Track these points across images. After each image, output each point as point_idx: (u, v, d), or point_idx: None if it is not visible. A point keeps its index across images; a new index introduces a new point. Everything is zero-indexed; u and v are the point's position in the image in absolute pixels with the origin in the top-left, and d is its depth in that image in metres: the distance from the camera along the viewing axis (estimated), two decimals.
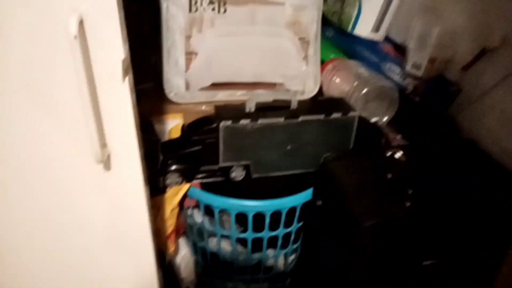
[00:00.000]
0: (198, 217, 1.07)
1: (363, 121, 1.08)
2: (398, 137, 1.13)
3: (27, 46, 0.49)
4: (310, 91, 1.25)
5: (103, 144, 0.55)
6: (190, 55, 1.15)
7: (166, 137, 1.09)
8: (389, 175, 0.95)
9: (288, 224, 1.05)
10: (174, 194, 0.95)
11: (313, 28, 1.21)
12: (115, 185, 0.60)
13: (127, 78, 0.53)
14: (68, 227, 0.66)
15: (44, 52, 0.50)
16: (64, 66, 0.50)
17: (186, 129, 1.02)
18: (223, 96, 1.21)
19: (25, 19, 0.48)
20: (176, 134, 1.05)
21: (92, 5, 0.48)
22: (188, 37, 1.13)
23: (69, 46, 0.47)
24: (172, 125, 1.13)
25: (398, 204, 0.89)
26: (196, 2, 1.12)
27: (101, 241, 0.67)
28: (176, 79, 1.14)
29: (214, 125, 0.98)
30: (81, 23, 0.48)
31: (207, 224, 1.05)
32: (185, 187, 0.98)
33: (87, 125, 0.52)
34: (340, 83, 1.25)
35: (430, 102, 1.10)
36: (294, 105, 1.03)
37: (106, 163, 0.58)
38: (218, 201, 0.98)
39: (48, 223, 0.64)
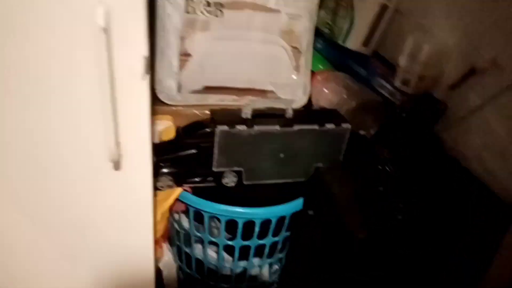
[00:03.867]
0: (186, 222, 1.05)
1: (353, 133, 1.09)
2: (385, 151, 1.15)
3: (49, 37, 0.46)
4: (300, 100, 1.26)
5: (117, 143, 0.53)
6: (183, 56, 1.13)
7: (155, 139, 1.06)
8: (381, 188, 0.97)
9: (275, 233, 1.04)
10: (166, 198, 0.92)
11: (305, 37, 1.22)
12: (124, 185, 0.57)
13: (147, 76, 0.51)
14: (75, 224, 0.62)
15: (66, 44, 0.47)
16: (85, 59, 0.47)
17: (181, 132, 1.00)
18: (214, 100, 1.19)
19: (48, 9, 0.44)
20: (168, 136, 1.02)
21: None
22: (183, 39, 1.11)
23: (94, 39, 0.45)
24: (161, 127, 1.10)
25: (390, 217, 0.90)
26: (192, 4, 1.10)
27: (105, 240, 0.63)
28: (168, 80, 1.12)
29: (210, 130, 0.96)
30: (106, 15, 0.45)
31: (194, 230, 1.03)
32: (177, 191, 0.95)
33: (104, 122, 0.50)
34: (329, 95, 1.26)
35: (417, 119, 1.13)
36: (289, 114, 1.03)
37: (117, 162, 0.55)
38: (209, 207, 0.96)
39: (55, 219, 0.60)
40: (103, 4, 0.45)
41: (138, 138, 0.55)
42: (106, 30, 0.45)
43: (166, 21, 1.07)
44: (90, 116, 0.51)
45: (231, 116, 0.98)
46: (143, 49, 0.50)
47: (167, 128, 1.05)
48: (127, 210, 0.60)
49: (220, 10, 1.12)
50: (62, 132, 0.52)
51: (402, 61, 1.13)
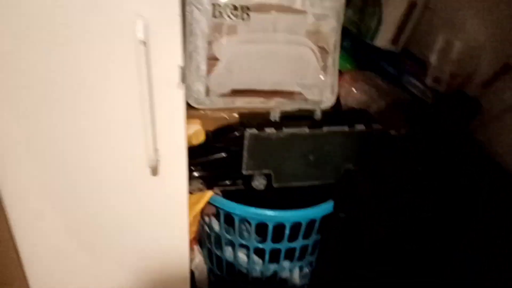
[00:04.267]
0: (216, 225, 1.05)
1: (384, 133, 1.08)
2: (417, 151, 1.13)
3: (91, 49, 0.47)
4: (328, 101, 1.25)
5: (155, 149, 0.54)
6: (211, 60, 1.14)
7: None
8: (411, 188, 0.96)
9: (306, 236, 1.04)
10: (197, 201, 0.93)
11: (333, 37, 1.21)
12: (161, 190, 0.58)
13: (182, 85, 0.52)
14: (114, 227, 0.64)
15: (106, 56, 0.48)
16: (125, 70, 0.48)
17: (211, 136, 1.00)
18: (241, 103, 1.19)
19: (90, 22, 0.46)
20: (197, 140, 1.03)
21: (156, 11, 0.47)
22: (211, 43, 1.12)
23: (133, 51, 0.46)
24: (190, 131, 1.11)
25: (417, 216, 0.89)
26: (220, 8, 1.10)
27: (142, 241, 0.65)
28: (196, 84, 1.12)
29: (239, 133, 0.96)
30: (145, 29, 0.46)
31: (225, 233, 1.03)
32: (208, 194, 0.96)
33: (143, 129, 0.51)
34: (357, 94, 1.25)
35: (449, 118, 1.11)
36: (318, 115, 1.02)
37: (154, 168, 0.56)
38: (240, 210, 0.97)
39: (95, 221, 0.61)
40: (141, 18, 0.46)
41: (175, 144, 0.56)
42: (144, 43, 0.46)
43: (194, 26, 1.08)
44: (129, 124, 0.52)
45: (259, 119, 0.98)
46: (179, 59, 0.50)
47: (196, 132, 1.06)
48: (164, 214, 0.61)
49: (247, 14, 1.12)
50: (103, 139, 0.54)
51: (433, 58, 1.11)
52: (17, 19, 0.45)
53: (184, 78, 0.52)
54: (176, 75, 0.50)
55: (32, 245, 0.60)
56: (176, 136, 0.55)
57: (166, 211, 0.60)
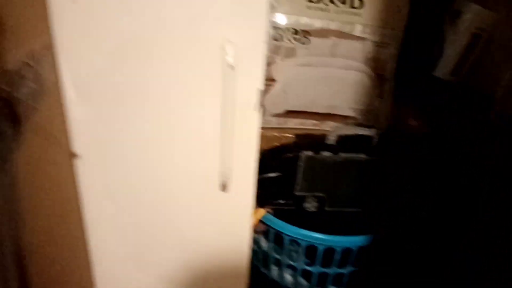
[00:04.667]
0: (264, 243, 1.06)
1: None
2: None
3: (179, 69, 0.51)
4: (382, 127, 1.24)
5: (229, 168, 0.56)
6: (268, 81, 1.16)
7: None
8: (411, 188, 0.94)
9: (355, 263, 1.02)
10: None
11: (390, 64, 1.21)
12: (227, 205, 0.60)
13: (260, 107, 0.54)
14: (180, 239, 0.66)
15: (194, 76, 0.51)
16: (210, 90, 0.51)
17: (266, 155, 1.02)
18: (294, 124, 1.21)
19: (180, 46, 0.49)
20: None
21: (244, 36, 0.49)
22: (269, 64, 1.15)
23: (221, 74, 0.49)
24: None
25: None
26: (281, 31, 1.14)
27: (205, 254, 0.66)
28: None
29: (294, 154, 0.98)
30: (234, 53, 0.49)
31: (273, 252, 1.04)
32: (260, 212, 0.97)
33: (220, 148, 0.53)
34: (413, 121, 1.23)
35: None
36: (374, 141, 1.02)
37: (225, 185, 0.58)
38: (291, 231, 0.97)
39: (164, 234, 0.64)
40: (231, 43, 0.49)
41: (247, 163, 0.58)
42: (233, 67, 0.49)
43: None
44: (207, 141, 0.55)
45: (315, 141, 0.99)
46: (260, 83, 0.53)
47: None
48: (228, 228, 0.63)
49: (307, 38, 1.15)
50: (179, 154, 0.57)
51: (499, 93, 1.07)
52: (111, 40, 0.49)
53: (262, 101, 0.54)
54: (255, 98, 0.53)
55: (102, 253, 0.63)
56: (248, 155, 0.57)
57: (231, 226, 0.62)
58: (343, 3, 1.11)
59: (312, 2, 1.09)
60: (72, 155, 0.56)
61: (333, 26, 1.15)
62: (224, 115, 0.52)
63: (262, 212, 0.98)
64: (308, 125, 1.23)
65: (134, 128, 0.55)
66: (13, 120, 0.41)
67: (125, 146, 0.56)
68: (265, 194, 1.00)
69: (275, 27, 1.15)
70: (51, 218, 0.55)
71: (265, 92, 1.19)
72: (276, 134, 1.22)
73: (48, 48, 0.47)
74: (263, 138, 1.21)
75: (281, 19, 1.09)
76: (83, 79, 0.51)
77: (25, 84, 0.41)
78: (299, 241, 0.99)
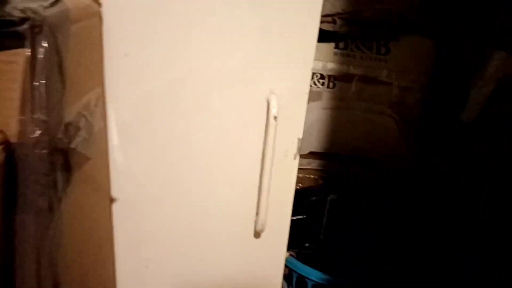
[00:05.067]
0: (286, 287, 1.04)
1: None
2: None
3: (221, 118, 0.52)
4: (408, 170, 1.23)
5: (265, 215, 0.56)
6: None
7: None
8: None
9: None
10: None
11: (416, 109, 1.22)
12: (261, 253, 0.60)
13: (297, 156, 0.55)
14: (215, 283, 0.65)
15: (239, 126, 0.53)
16: (253, 140, 0.53)
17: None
18: (317, 165, 1.21)
19: (226, 94, 0.51)
20: None
21: (288, 88, 0.51)
22: None
23: (265, 124, 0.50)
24: None
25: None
26: None
27: None
28: None
29: (320, 197, 0.97)
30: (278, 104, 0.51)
31: None
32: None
33: (258, 196, 0.54)
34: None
35: None
36: (399, 184, 1.01)
37: (259, 233, 0.58)
38: (316, 276, 0.95)
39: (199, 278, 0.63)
40: (275, 95, 0.50)
41: (283, 213, 0.58)
42: (276, 117, 0.50)
43: None
44: (246, 189, 0.56)
45: (342, 185, 0.99)
46: (299, 132, 0.54)
47: None
48: (260, 275, 0.62)
49: (333, 82, 1.17)
50: (220, 201, 0.57)
51: None
52: (157, 88, 0.51)
53: (300, 150, 0.55)
54: (295, 147, 0.54)
55: None
56: (285, 205, 0.57)
57: (263, 273, 0.61)
58: (370, 49, 1.14)
59: (339, 48, 1.12)
60: (111, 200, 0.57)
61: (359, 71, 1.17)
62: (265, 163, 0.53)
63: (285, 255, 0.97)
64: (334, 167, 1.23)
65: (173, 174, 0.56)
66: (67, 169, 0.42)
67: (164, 191, 0.57)
68: (290, 237, 0.99)
69: None
70: (85, 257, 0.56)
71: None
72: (299, 175, 1.22)
73: (100, 98, 0.49)
74: None
75: None
76: (128, 125, 0.53)
77: (80, 134, 0.43)
78: (324, 286, 0.96)
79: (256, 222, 0.57)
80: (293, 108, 0.53)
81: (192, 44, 0.49)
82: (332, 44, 1.12)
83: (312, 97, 1.17)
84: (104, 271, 0.63)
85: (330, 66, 1.13)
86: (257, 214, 0.56)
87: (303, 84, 0.52)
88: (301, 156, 1.24)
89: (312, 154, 1.23)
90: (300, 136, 0.55)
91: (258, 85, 0.51)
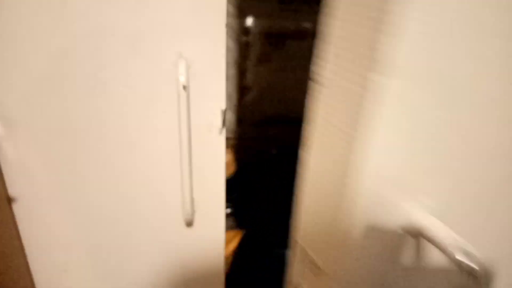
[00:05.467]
0: None
1: None
2: None
3: (130, 91, 0.43)
4: None
5: (191, 199, 0.49)
6: (243, 89, 1.10)
7: None
8: None
9: None
10: (228, 241, 0.88)
11: None
12: (194, 242, 0.53)
13: (223, 130, 0.47)
14: (146, 276, 0.58)
15: (145, 99, 0.44)
16: (163, 114, 0.44)
17: (244, 168, 0.96)
18: (274, 132, 1.15)
19: (129, 64, 0.42)
20: (228, 171, 0.99)
21: (200, 52, 0.42)
22: (243, 71, 1.09)
23: (175, 95, 0.42)
24: None
25: None
26: (254, 37, 1.07)
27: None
28: (227, 113, 1.09)
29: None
30: (187, 71, 0.42)
31: None
32: (240, 233, 0.90)
33: (180, 177, 0.46)
34: None
35: None
36: None
37: (189, 219, 0.51)
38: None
39: (125, 271, 0.56)
40: (184, 59, 0.42)
41: (213, 193, 0.51)
42: (185, 87, 0.42)
43: (226, 55, 1.05)
44: (166, 171, 0.48)
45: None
46: (222, 102, 0.46)
47: (226, 162, 1.01)
48: (198, 266, 0.55)
49: (282, 42, 1.08)
50: (138, 188, 0.49)
51: None
52: (41, 59, 0.41)
53: (225, 122, 0.47)
54: (218, 119, 0.46)
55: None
56: (215, 185, 0.50)
57: (201, 264, 0.55)
58: (317, 3, 1.05)
59: (285, 3, 1.03)
60: (9, 200, 0.48)
61: (309, 26, 1.09)
62: (181, 141, 0.45)
63: (240, 233, 0.91)
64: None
65: (77, 165, 0.47)
66: None
67: (68, 186, 0.48)
68: (248, 213, 0.94)
69: (248, 32, 1.08)
70: None
71: (240, 101, 1.13)
72: (255, 144, 1.16)
73: None
74: (242, 149, 1.15)
75: (253, 23, 1.03)
76: (11, 114, 0.43)
77: None
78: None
79: (183, 209, 0.49)
80: (210, 74, 0.44)
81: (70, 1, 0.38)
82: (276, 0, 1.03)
83: (261, 59, 1.08)
84: (20, 280, 0.55)
85: (274, 23, 1.04)
86: (183, 199, 0.49)
87: (218, 44, 0.43)
88: (257, 124, 1.17)
89: (268, 121, 1.17)
90: (223, 107, 0.47)
91: (163, 48, 0.42)
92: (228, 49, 1.04)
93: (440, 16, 0.28)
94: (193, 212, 0.50)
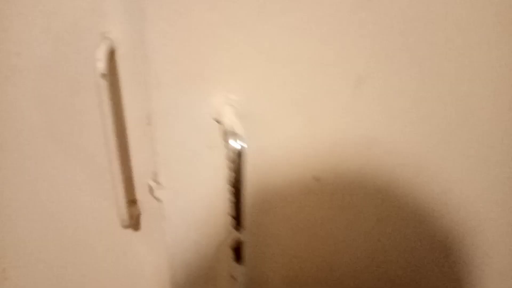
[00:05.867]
0: None
1: None
2: None
3: (45, 81, 0.39)
4: None
5: (132, 201, 0.44)
6: None
7: None
8: None
9: None
10: None
11: None
12: (142, 248, 0.48)
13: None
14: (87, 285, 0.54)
15: (65, 90, 0.40)
16: (89, 107, 0.40)
17: None
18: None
19: (44, 49, 0.38)
20: None
21: (123, 32, 0.38)
22: None
23: (95, 84, 0.37)
24: None
25: None
26: None
27: None
28: None
29: None
30: (111, 54, 0.38)
31: None
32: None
33: (112, 180, 0.42)
34: None
35: None
36: None
37: (127, 224, 0.46)
38: None
39: (68, 279, 0.52)
40: (106, 41, 0.37)
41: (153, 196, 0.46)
42: (105, 75, 0.37)
43: None
44: (100, 171, 0.44)
45: None
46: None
47: None
48: (142, 276, 0.51)
49: None
50: (71, 187, 0.45)
51: None
52: None
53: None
54: (146, 109, 0.41)
55: None
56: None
57: (146, 268, 0.50)
58: None
59: None
60: None
61: None
62: (107, 137, 0.40)
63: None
64: None
65: (16, 165, 0.43)
66: None
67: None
68: None
69: None
70: None
71: None
72: None
73: None
74: None
75: None
76: None
77: None
78: None
79: (118, 213, 0.45)
80: (137, 58, 0.40)
81: None
82: None
83: None
84: None
85: None
86: (117, 202, 0.44)
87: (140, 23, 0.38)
88: None
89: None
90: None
91: (84, 29, 0.37)
92: None
93: None
94: (134, 215, 0.46)
